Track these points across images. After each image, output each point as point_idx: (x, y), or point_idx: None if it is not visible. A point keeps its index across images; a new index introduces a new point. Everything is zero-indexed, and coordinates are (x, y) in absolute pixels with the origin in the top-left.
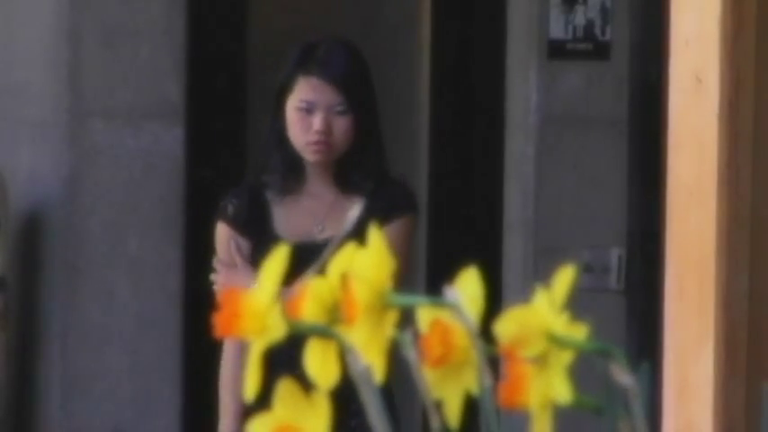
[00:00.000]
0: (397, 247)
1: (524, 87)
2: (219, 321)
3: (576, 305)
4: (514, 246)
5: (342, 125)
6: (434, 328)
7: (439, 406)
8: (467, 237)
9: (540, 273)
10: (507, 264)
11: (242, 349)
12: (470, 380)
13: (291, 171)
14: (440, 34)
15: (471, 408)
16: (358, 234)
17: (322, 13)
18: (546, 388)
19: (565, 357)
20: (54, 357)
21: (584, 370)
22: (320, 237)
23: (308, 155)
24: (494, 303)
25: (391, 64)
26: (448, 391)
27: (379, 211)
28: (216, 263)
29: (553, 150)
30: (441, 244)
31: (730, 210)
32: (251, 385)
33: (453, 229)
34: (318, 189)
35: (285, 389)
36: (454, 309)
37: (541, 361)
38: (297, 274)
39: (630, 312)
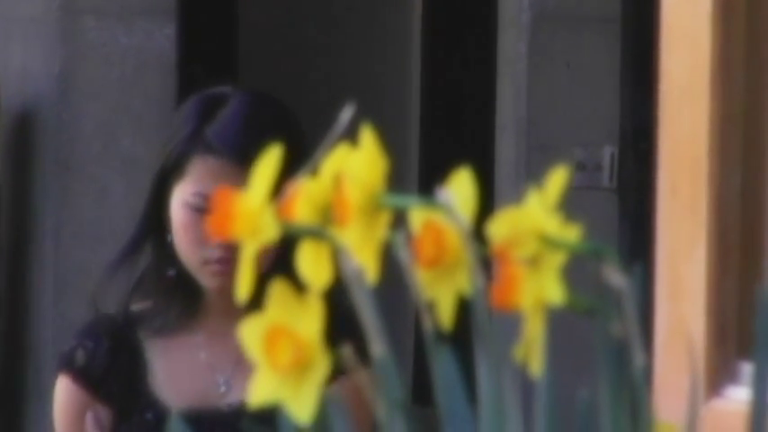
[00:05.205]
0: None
1: None
2: (212, 223)
3: (569, 203)
4: (507, 145)
5: None
6: (427, 229)
7: (431, 307)
8: (459, 137)
9: (533, 172)
10: (500, 164)
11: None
12: (463, 281)
13: (178, 299)
14: None
15: (463, 308)
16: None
17: None
18: (538, 289)
19: (557, 258)
20: (47, 255)
21: (577, 270)
22: (224, 401)
23: (206, 278)
24: (486, 204)
25: None
26: (440, 292)
27: None
28: None
29: (546, 48)
30: (433, 145)
31: (723, 108)
32: (243, 288)
33: (445, 130)
34: (221, 327)
35: (277, 290)
36: (447, 210)
37: (534, 262)
38: None
39: (623, 210)
